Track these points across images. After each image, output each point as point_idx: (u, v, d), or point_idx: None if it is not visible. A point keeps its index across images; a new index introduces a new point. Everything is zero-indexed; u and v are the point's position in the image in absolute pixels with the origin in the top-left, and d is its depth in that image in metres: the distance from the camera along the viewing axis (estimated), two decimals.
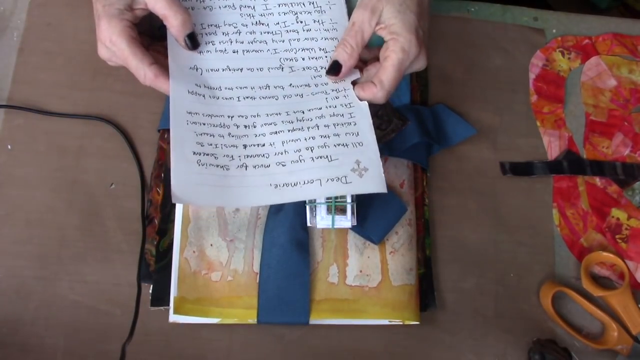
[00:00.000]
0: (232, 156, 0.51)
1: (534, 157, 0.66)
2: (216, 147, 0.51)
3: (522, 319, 0.60)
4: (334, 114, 0.54)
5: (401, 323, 0.57)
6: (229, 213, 0.56)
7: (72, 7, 0.64)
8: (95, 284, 0.56)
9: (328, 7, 0.61)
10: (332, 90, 0.56)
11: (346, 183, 0.50)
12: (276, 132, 0.53)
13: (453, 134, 0.64)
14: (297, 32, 0.59)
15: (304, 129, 0.53)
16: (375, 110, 0.55)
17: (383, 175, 0.51)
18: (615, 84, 0.70)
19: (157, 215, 0.58)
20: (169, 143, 0.59)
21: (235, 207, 0.57)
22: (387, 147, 0.59)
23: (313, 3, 0.61)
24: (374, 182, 0.51)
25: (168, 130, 0.58)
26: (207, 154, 0.51)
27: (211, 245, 0.55)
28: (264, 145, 0.52)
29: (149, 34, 0.55)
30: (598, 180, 0.66)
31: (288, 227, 0.55)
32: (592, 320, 0.61)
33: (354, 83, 0.56)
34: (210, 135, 0.52)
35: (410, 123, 0.59)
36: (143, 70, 0.52)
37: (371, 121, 0.54)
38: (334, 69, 0.55)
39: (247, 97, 0.55)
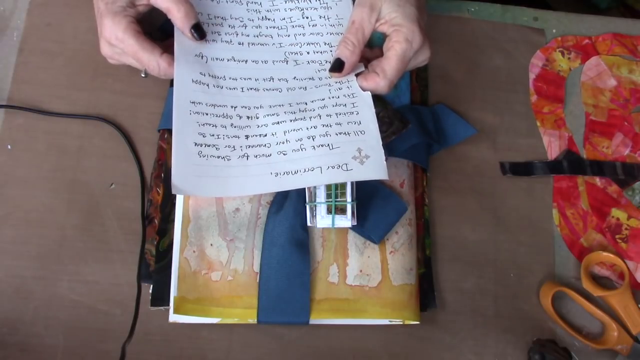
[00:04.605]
0: (233, 147, 0.51)
1: (534, 157, 0.66)
2: (218, 137, 0.51)
3: (522, 319, 0.60)
4: (336, 104, 0.54)
5: (401, 323, 0.57)
6: (229, 213, 0.56)
7: (72, 7, 0.64)
8: (95, 283, 0.56)
9: (334, 4, 0.62)
10: (336, 82, 0.56)
11: (347, 170, 0.50)
12: (278, 122, 0.53)
13: (453, 134, 0.64)
14: (303, 27, 0.60)
15: (306, 119, 0.53)
16: (377, 112, 0.55)
17: (384, 162, 0.51)
18: (615, 84, 0.70)
19: (157, 215, 0.58)
20: (169, 143, 0.59)
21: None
22: (387, 148, 0.59)
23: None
24: (375, 168, 0.51)
25: (168, 130, 0.59)
26: (209, 145, 0.51)
27: (211, 245, 0.55)
28: (265, 135, 0.53)
29: (150, 35, 0.55)
30: (598, 180, 0.66)
31: (288, 227, 0.55)
32: (592, 320, 0.61)
33: (357, 75, 0.56)
34: (213, 126, 0.52)
35: (411, 126, 0.59)
36: (156, 61, 0.53)
37: (374, 111, 0.54)
38: (337, 66, 0.55)
39: (251, 89, 0.55)
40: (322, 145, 0.51)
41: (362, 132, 0.52)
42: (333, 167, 0.50)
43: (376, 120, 0.53)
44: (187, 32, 0.54)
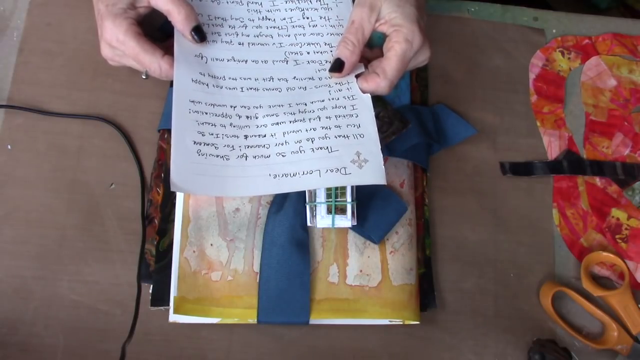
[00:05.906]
0: (232, 146, 0.51)
1: (534, 157, 0.66)
2: (217, 137, 0.51)
3: (522, 319, 0.60)
4: (336, 106, 0.54)
5: (401, 323, 0.57)
6: (229, 213, 0.56)
7: (72, 7, 0.64)
8: (95, 283, 0.56)
9: (335, 5, 0.62)
10: (336, 83, 0.56)
11: (345, 174, 0.50)
12: (277, 123, 0.53)
13: (453, 134, 0.64)
14: (303, 28, 0.60)
15: (305, 120, 0.53)
16: (377, 112, 0.55)
17: (383, 167, 0.51)
18: (615, 84, 0.70)
19: (157, 215, 0.58)
20: (169, 143, 0.59)
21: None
22: (387, 148, 0.59)
23: (320, 0, 0.61)
24: (373, 173, 0.50)
25: (168, 130, 0.59)
26: (208, 144, 0.51)
27: (211, 245, 0.55)
28: (265, 135, 0.53)
29: (150, 36, 0.55)
30: (598, 180, 0.66)
31: (288, 227, 0.55)
32: (592, 320, 0.61)
33: (357, 76, 0.56)
34: (212, 125, 0.52)
35: (411, 126, 0.59)
36: (157, 63, 0.53)
37: (373, 113, 0.54)
38: (337, 66, 0.55)
39: (251, 88, 0.55)
40: (321, 148, 0.51)
41: (361, 136, 0.52)
42: (331, 171, 0.50)
43: (375, 124, 0.53)
44: (188, 34, 0.54)
